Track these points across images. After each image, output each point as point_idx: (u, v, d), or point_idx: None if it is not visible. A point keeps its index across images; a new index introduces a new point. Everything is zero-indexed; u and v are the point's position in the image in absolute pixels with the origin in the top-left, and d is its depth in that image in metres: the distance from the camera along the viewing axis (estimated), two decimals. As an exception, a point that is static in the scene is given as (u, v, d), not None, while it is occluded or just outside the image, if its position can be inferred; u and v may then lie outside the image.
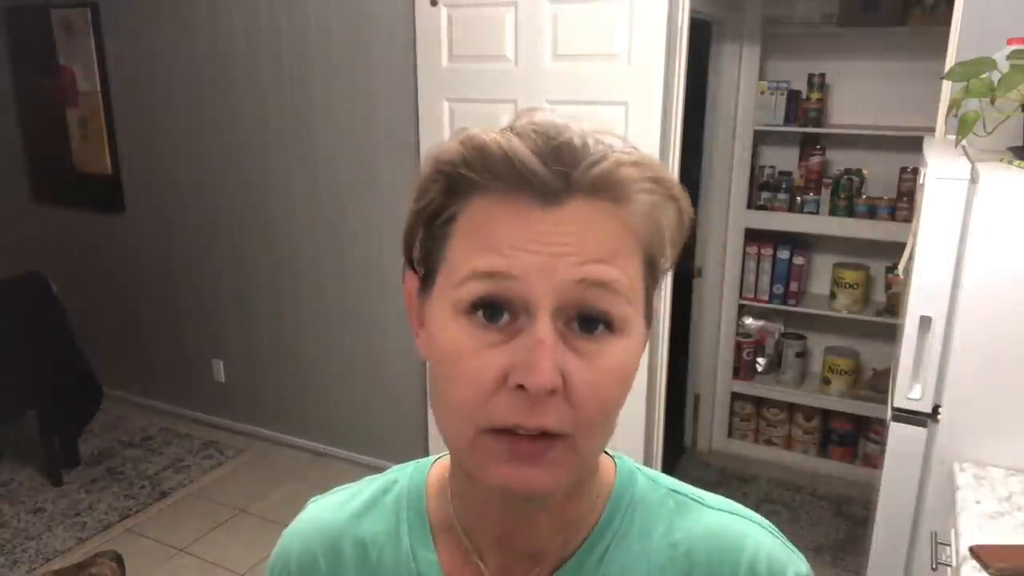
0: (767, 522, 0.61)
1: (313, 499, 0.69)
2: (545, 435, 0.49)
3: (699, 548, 0.58)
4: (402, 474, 0.66)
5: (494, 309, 0.48)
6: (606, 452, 0.63)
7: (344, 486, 0.68)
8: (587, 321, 0.49)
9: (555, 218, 0.48)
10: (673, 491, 0.62)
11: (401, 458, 0.69)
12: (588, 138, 0.50)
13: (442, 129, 2.74)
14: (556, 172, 0.48)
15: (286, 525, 0.69)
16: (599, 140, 0.51)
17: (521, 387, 0.47)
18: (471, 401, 0.49)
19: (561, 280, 0.47)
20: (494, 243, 0.48)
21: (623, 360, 0.50)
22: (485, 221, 0.49)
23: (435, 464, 0.65)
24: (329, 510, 0.66)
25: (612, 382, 0.50)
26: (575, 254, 0.48)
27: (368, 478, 0.68)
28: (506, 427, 0.48)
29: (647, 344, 0.57)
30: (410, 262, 0.55)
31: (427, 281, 0.53)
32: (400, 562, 0.61)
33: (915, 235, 1.66)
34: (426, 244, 0.53)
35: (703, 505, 0.61)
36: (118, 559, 1.97)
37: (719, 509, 0.61)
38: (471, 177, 0.50)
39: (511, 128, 0.51)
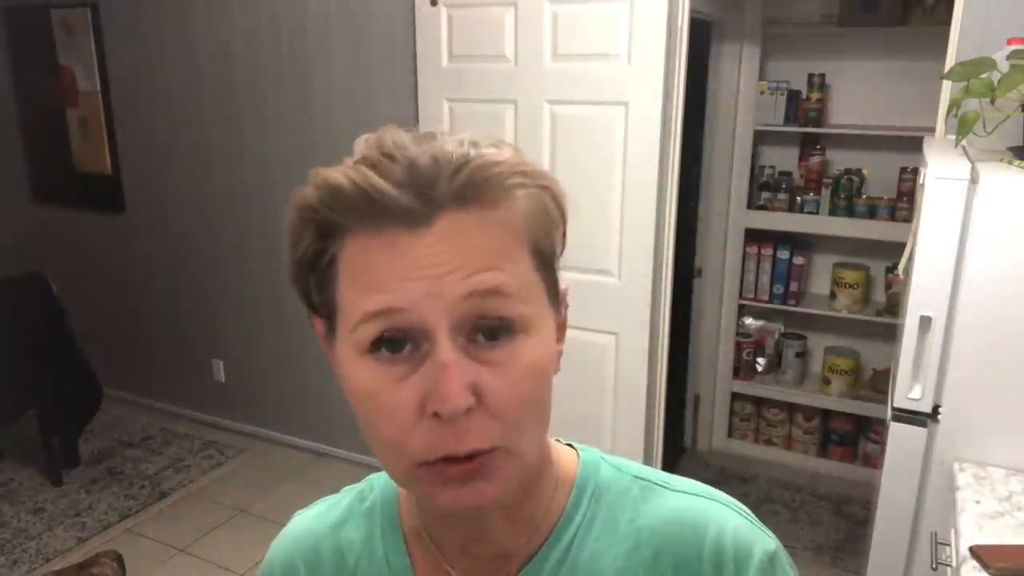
0: (734, 501, 0.61)
1: (297, 512, 0.71)
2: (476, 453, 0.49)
3: (664, 531, 0.58)
4: (376, 482, 0.68)
5: (394, 343, 0.48)
6: (571, 445, 0.64)
7: (325, 498, 0.70)
8: (487, 330, 0.49)
9: (428, 239, 0.47)
10: (638, 477, 0.62)
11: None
12: (446, 147, 0.49)
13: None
14: (415, 195, 0.47)
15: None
16: (460, 143, 0.50)
17: (437, 414, 0.47)
18: (397, 438, 0.49)
19: (450, 299, 0.47)
20: (375, 280, 0.48)
21: (533, 357, 0.50)
22: (362, 260, 0.49)
23: None
24: (310, 521, 0.68)
25: (527, 381, 0.50)
26: (457, 269, 0.47)
27: (347, 488, 0.70)
28: (436, 459, 0.49)
29: (564, 331, 0.57)
30: (312, 308, 0.55)
31: (331, 324, 0.53)
32: (375, 568, 0.63)
33: (915, 235, 1.66)
34: (318, 289, 0.53)
35: (668, 489, 0.61)
36: (119, 559, 1.97)
37: (684, 492, 0.61)
38: (334, 219, 0.49)
39: (364, 158, 0.49)
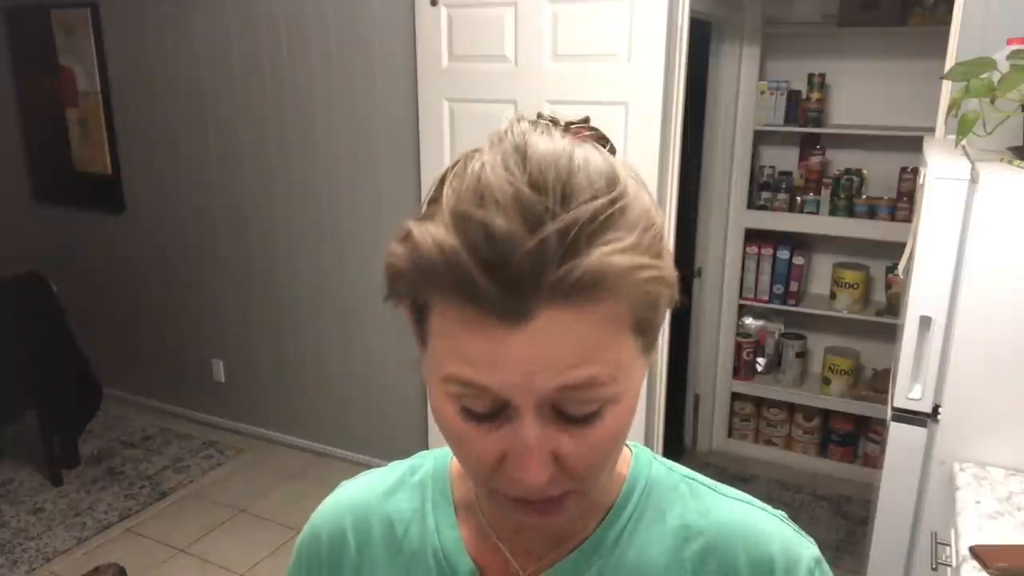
0: (779, 512, 0.63)
1: (343, 483, 0.71)
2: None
3: (713, 533, 0.60)
4: (428, 458, 0.69)
5: (479, 412, 0.48)
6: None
7: (372, 470, 0.71)
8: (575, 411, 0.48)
9: (524, 337, 0.43)
10: (688, 478, 0.64)
11: (400, 458, 0.70)
12: (567, 220, 0.43)
13: (442, 129, 2.74)
14: (514, 291, 0.42)
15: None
16: (568, 201, 0.44)
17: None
18: (478, 473, 0.51)
19: (540, 391, 0.45)
20: (463, 355, 0.45)
21: (617, 425, 0.49)
22: (450, 328, 0.46)
23: None
24: (358, 491, 0.69)
25: (607, 447, 0.50)
26: (552, 367, 0.44)
27: (394, 463, 0.70)
28: (512, 496, 0.50)
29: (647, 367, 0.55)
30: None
31: (421, 327, 0.50)
32: (425, 538, 0.63)
33: (915, 235, 1.66)
34: (410, 310, 0.50)
35: (717, 493, 0.63)
36: (121, 572, 1.93)
37: (733, 498, 0.63)
38: (422, 286, 0.46)
39: (461, 215, 0.44)
